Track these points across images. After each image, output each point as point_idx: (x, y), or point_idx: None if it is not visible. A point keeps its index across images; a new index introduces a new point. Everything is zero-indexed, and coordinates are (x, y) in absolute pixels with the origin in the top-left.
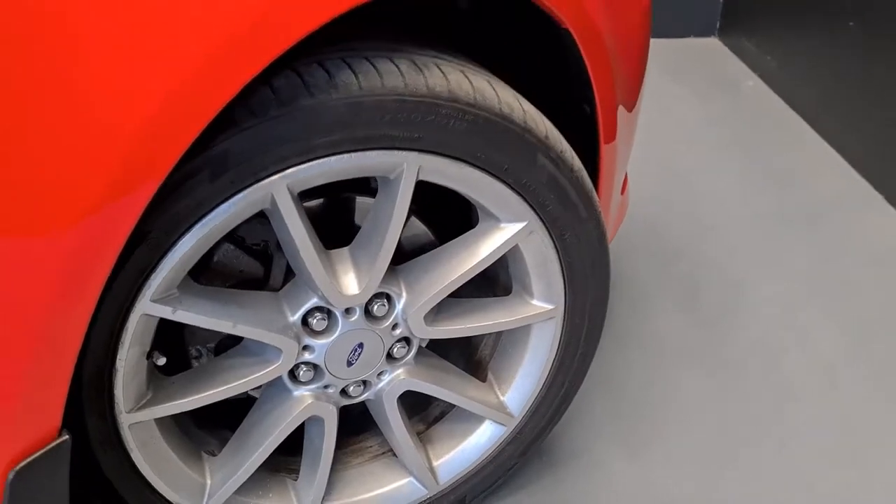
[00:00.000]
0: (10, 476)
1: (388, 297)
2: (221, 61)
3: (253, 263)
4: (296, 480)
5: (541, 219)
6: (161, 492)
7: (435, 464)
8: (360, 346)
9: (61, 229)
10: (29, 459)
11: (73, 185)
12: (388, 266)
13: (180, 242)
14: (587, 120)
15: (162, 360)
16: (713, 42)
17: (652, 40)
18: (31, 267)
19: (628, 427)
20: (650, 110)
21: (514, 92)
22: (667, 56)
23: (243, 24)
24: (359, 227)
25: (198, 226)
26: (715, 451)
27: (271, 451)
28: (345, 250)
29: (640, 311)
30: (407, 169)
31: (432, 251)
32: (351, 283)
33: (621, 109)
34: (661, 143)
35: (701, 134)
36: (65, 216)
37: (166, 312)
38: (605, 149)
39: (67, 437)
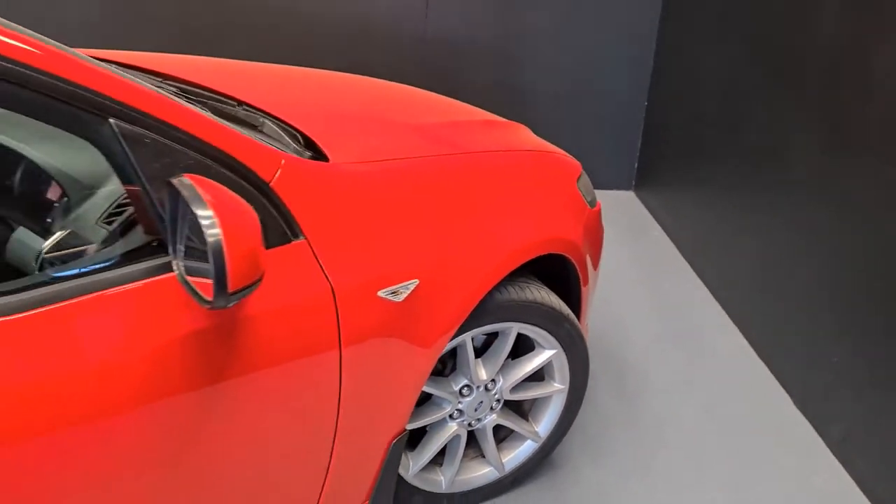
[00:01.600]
0: (392, 444)
1: (495, 381)
2: (494, 274)
3: (437, 365)
4: (440, 466)
5: (563, 347)
6: None
7: (504, 460)
8: (481, 402)
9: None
10: (397, 438)
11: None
12: None
13: None
14: (578, 295)
15: None
16: (630, 195)
17: None
18: (425, 354)
19: (588, 451)
20: None
21: (555, 295)
22: None
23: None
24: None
25: None
26: (632, 468)
27: (437, 451)
28: (480, 360)
29: (589, 391)
30: (513, 330)
31: (514, 361)
32: (482, 374)
33: (590, 286)
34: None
35: (620, 271)
36: (440, 336)
37: None
38: (584, 308)
39: (407, 430)
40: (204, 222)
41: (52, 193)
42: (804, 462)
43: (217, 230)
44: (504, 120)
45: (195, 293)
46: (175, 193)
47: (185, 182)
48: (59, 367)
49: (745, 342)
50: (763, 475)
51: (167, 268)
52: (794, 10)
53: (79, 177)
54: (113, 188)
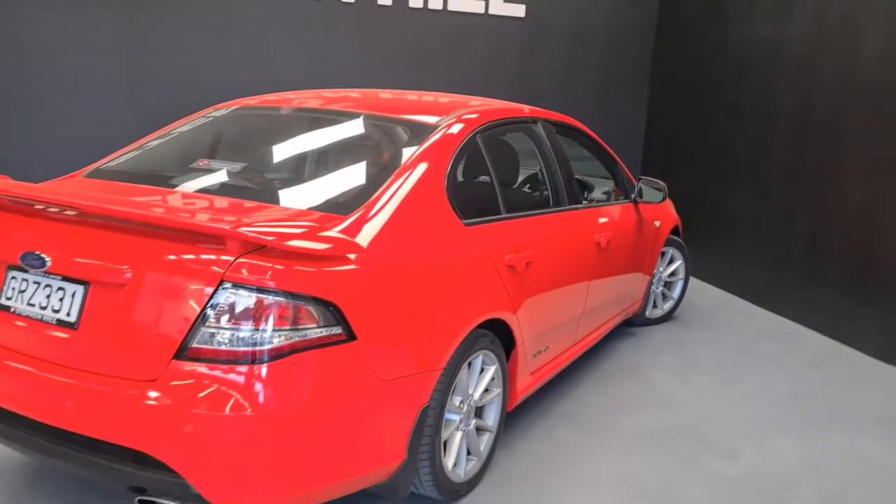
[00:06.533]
0: (651, 277)
1: (661, 273)
2: (671, 226)
3: None
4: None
5: (684, 260)
6: None
7: (664, 307)
8: (659, 281)
9: (662, 245)
10: (651, 276)
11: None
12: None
13: None
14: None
15: None
16: None
17: None
18: (659, 249)
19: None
20: None
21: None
22: None
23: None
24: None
25: None
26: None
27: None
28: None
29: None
30: (671, 250)
31: (667, 266)
32: (661, 268)
33: None
34: None
35: None
36: (662, 244)
37: None
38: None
39: (654, 273)
40: (660, 183)
41: (579, 194)
42: (747, 310)
43: (663, 184)
44: None
45: (644, 201)
46: (640, 184)
47: (645, 179)
48: (605, 223)
49: (711, 287)
50: (726, 318)
51: (626, 201)
52: (732, 121)
53: (590, 183)
54: (606, 186)
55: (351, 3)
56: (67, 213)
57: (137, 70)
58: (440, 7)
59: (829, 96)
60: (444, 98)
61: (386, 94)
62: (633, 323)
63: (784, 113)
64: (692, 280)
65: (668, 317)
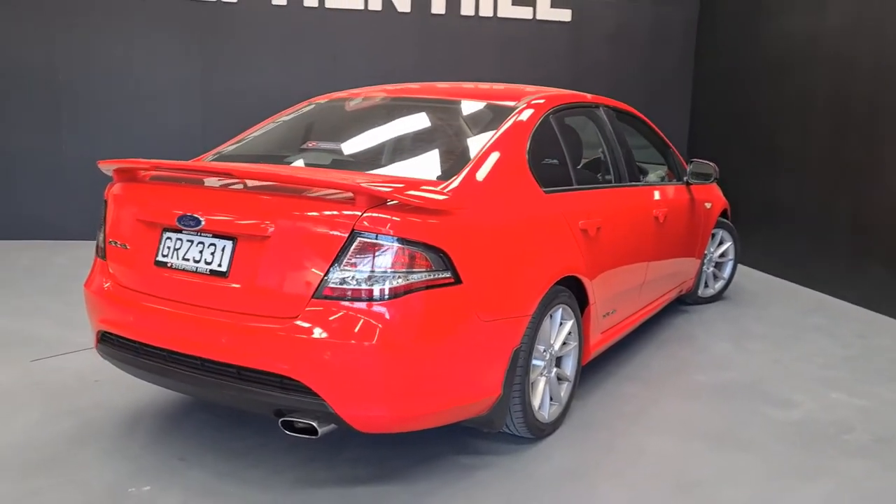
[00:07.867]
0: (702, 257)
1: (711, 254)
2: (721, 209)
3: None
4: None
5: (733, 241)
6: None
7: (715, 287)
8: (709, 262)
9: (711, 227)
10: (703, 256)
11: None
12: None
13: None
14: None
15: None
16: None
17: None
18: (709, 231)
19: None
20: None
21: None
22: None
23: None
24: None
25: None
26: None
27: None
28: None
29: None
30: (720, 232)
31: (717, 246)
32: (712, 249)
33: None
34: None
35: None
36: (712, 226)
37: None
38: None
39: (705, 254)
40: (710, 164)
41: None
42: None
43: (713, 165)
44: None
45: (695, 182)
46: (692, 166)
47: (696, 161)
48: (661, 200)
49: (756, 272)
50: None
51: (679, 183)
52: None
53: (644, 168)
54: (660, 171)
55: (407, 12)
56: (209, 184)
57: (206, 80)
58: (490, 14)
59: (866, 85)
60: (499, 86)
61: (444, 85)
62: (686, 302)
63: (823, 102)
64: (739, 266)
65: (718, 296)
